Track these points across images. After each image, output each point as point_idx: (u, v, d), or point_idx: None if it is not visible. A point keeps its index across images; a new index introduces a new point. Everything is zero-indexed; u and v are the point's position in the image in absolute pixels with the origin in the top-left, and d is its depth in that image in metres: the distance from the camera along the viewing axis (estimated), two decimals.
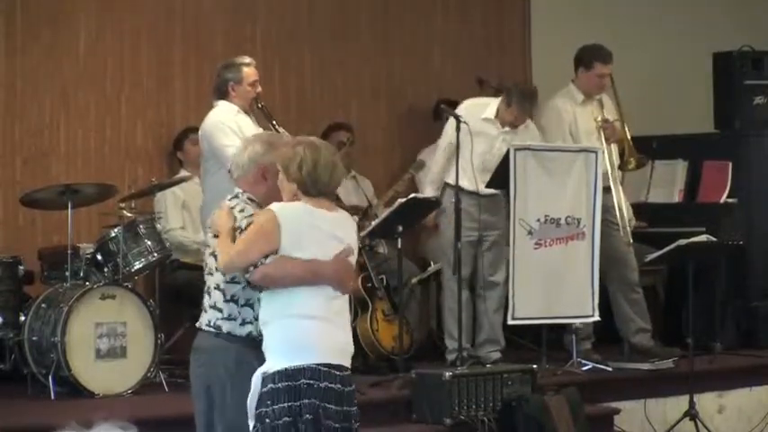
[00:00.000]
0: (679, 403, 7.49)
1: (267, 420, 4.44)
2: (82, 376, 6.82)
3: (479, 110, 7.71)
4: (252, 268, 4.53)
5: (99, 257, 7.26)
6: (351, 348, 4.67)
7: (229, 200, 4.76)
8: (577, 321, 7.77)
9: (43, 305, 7.03)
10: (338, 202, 7.49)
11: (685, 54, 10.03)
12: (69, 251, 7.09)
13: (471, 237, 7.67)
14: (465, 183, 7.55)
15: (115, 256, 7.18)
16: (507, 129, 7.71)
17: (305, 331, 4.52)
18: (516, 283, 7.51)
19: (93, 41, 8.34)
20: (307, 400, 4.44)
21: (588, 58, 8.08)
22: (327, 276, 4.54)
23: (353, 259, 4.68)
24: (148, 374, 7.00)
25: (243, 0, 8.91)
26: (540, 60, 9.84)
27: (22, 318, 7.05)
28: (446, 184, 7.69)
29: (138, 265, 7.24)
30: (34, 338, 6.96)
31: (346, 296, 4.68)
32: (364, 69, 9.34)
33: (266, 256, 4.52)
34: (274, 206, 4.56)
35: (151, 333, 7.04)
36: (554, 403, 6.64)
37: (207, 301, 4.82)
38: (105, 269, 7.23)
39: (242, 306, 4.69)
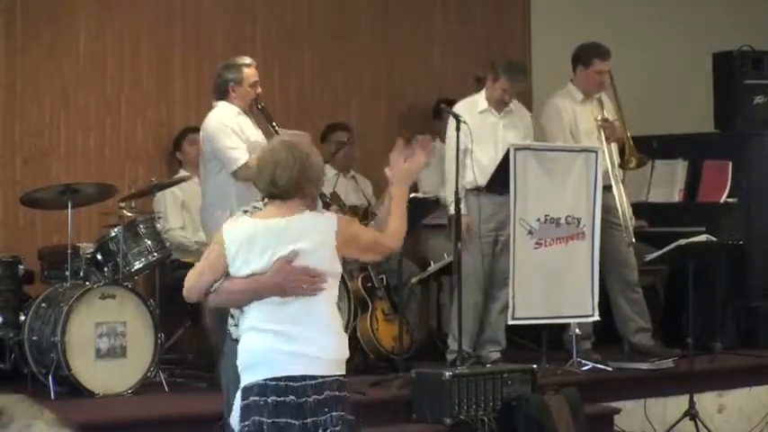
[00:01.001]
0: (679, 403, 7.49)
1: None
2: (82, 376, 6.82)
3: (472, 106, 7.74)
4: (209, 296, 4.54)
5: (99, 257, 7.26)
6: (323, 354, 4.41)
7: (243, 211, 4.71)
8: (577, 321, 7.77)
9: (43, 305, 7.03)
10: (337, 200, 7.57)
11: (685, 54, 10.04)
12: (69, 251, 7.09)
13: (490, 237, 7.70)
14: (483, 182, 7.60)
15: (115, 255, 7.18)
16: (503, 113, 7.77)
17: (251, 346, 4.44)
18: (516, 283, 7.51)
19: (93, 41, 8.35)
20: (257, 418, 4.33)
21: (586, 55, 8.09)
22: (267, 289, 4.41)
23: (314, 259, 4.41)
24: (148, 374, 6.99)
25: (243, 0, 8.91)
26: (540, 60, 9.84)
27: (22, 317, 7.05)
28: (467, 191, 7.63)
29: (138, 265, 7.24)
30: (34, 338, 6.96)
31: (321, 297, 4.45)
32: (364, 69, 9.34)
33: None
34: (225, 226, 4.53)
35: (151, 333, 7.04)
36: (554, 403, 6.64)
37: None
38: (105, 269, 7.23)
39: (243, 312, 4.67)
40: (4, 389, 6.89)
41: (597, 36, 8.37)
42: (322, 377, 4.38)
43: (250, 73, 7.16)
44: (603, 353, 7.96)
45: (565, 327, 7.98)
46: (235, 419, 4.46)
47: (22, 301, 7.23)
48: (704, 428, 7.32)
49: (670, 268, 8.80)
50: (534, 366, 6.99)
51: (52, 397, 6.73)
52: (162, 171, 8.43)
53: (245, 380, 4.41)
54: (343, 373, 4.48)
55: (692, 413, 7.31)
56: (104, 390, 6.85)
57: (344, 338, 4.56)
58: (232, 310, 4.69)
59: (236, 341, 4.61)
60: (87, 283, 7.12)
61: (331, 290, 4.50)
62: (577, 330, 7.81)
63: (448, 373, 6.65)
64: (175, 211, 8.18)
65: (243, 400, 4.40)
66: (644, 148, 8.34)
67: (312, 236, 4.44)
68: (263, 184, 4.50)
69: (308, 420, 4.33)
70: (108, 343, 6.96)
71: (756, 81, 9.08)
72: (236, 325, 4.64)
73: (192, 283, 4.53)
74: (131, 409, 6.59)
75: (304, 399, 4.34)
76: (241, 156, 6.97)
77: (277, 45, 8.97)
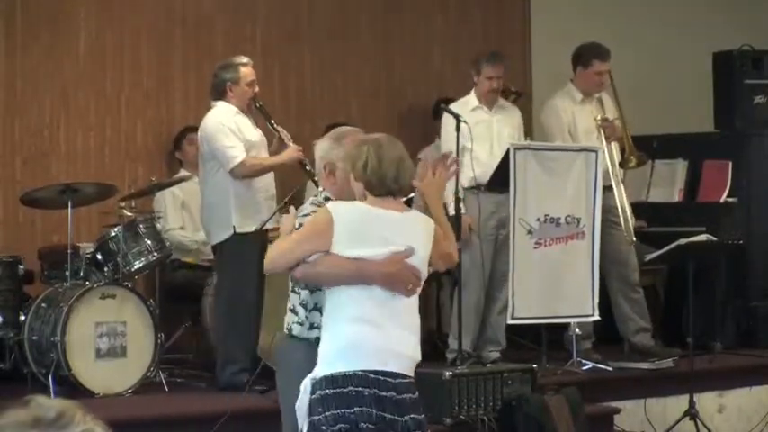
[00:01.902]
0: (679, 403, 7.48)
1: (323, 428, 4.27)
2: (82, 376, 6.82)
3: (464, 106, 7.78)
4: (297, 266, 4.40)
5: (99, 257, 7.26)
6: (410, 353, 4.39)
7: (310, 203, 4.65)
8: (577, 321, 7.77)
9: (43, 305, 7.03)
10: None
11: (685, 54, 10.03)
12: (69, 251, 7.09)
13: (491, 236, 7.71)
14: (484, 180, 7.61)
15: (115, 255, 7.18)
16: (494, 109, 7.84)
17: (351, 336, 4.32)
18: (516, 282, 7.51)
19: (93, 41, 8.35)
20: (357, 408, 4.24)
21: (586, 56, 8.09)
22: (374, 276, 4.33)
23: (418, 261, 4.40)
24: (148, 374, 6.99)
25: (243, 0, 8.91)
26: (540, 60, 9.84)
27: (22, 317, 7.05)
28: (465, 190, 7.62)
29: (138, 265, 7.25)
30: (34, 338, 6.96)
31: (410, 299, 4.42)
32: (364, 69, 9.34)
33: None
34: (331, 205, 4.42)
35: (151, 333, 7.04)
36: (554, 403, 6.64)
37: (288, 303, 4.71)
38: (105, 269, 7.23)
39: (310, 310, 4.58)
40: (4, 389, 6.89)
41: (597, 36, 8.38)
42: (410, 378, 4.38)
43: (247, 72, 7.18)
44: (603, 353, 7.96)
45: (565, 327, 7.98)
46: (303, 410, 4.35)
47: (22, 301, 7.23)
48: (704, 428, 7.32)
49: (670, 268, 8.80)
50: (534, 366, 6.99)
51: (52, 397, 6.71)
52: (162, 171, 8.43)
53: (334, 368, 4.29)
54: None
55: (692, 413, 7.31)
56: (104, 390, 6.85)
57: (419, 341, 4.51)
58: (297, 307, 4.57)
59: (298, 338, 4.55)
60: (87, 282, 7.12)
61: (417, 295, 4.49)
62: (577, 330, 7.81)
63: (448, 373, 6.64)
64: (175, 210, 8.19)
65: (328, 388, 4.28)
66: (644, 148, 8.34)
67: (422, 236, 4.44)
68: (386, 180, 4.40)
69: (407, 419, 4.30)
70: (108, 343, 6.96)
71: (756, 81, 9.08)
72: (300, 323, 4.56)
73: (285, 251, 4.40)
74: (131, 409, 6.59)
75: (403, 396, 4.32)
76: (238, 154, 7.00)
77: (277, 45, 8.97)
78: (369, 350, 4.30)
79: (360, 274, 4.32)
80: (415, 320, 4.46)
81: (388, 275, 4.32)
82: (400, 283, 4.35)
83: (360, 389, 4.26)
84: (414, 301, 4.44)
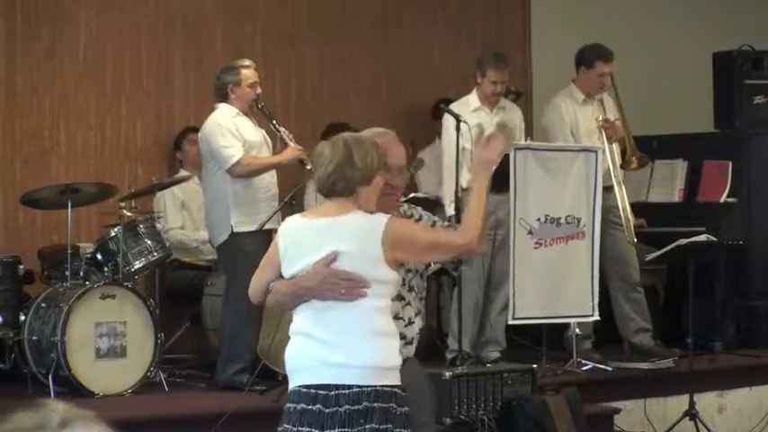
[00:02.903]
0: (679, 403, 7.48)
1: None
2: (82, 376, 6.82)
3: (464, 107, 7.79)
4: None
5: (99, 257, 7.26)
6: (357, 362, 4.10)
7: None
8: (577, 321, 7.77)
9: (43, 305, 7.03)
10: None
11: (685, 54, 10.04)
12: (69, 251, 7.09)
13: (489, 236, 7.70)
14: None
15: (115, 255, 7.18)
16: (495, 110, 7.84)
17: (290, 351, 4.24)
18: (516, 282, 7.51)
19: (93, 41, 8.35)
20: (286, 426, 4.16)
21: (589, 57, 8.09)
22: (303, 290, 4.16)
23: (351, 262, 4.14)
24: (148, 374, 6.99)
25: (243, 0, 8.91)
26: (540, 60, 9.84)
27: (22, 317, 7.05)
28: (464, 190, 7.61)
29: (138, 265, 7.24)
30: (34, 338, 6.96)
31: (364, 302, 4.14)
32: (364, 69, 9.34)
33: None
34: (282, 224, 4.38)
35: (151, 333, 7.03)
36: (554, 403, 6.63)
37: None
38: (105, 269, 7.23)
39: None
40: (4, 389, 6.90)
41: (597, 36, 8.38)
42: (358, 387, 4.09)
43: (248, 74, 7.21)
44: (603, 353, 7.96)
45: (565, 327, 7.98)
46: None
47: (22, 301, 7.23)
48: (704, 428, 7.32)
49: (670, 268, 8.80)
50: (534, 366, 6.99)
51: (52, 397, 6.72)
52: (162, 171, 8.44)
53: (289, 385, 4.26)
54: (389, 383, 4.14)
55: (692, 413, 7.31)
56: (104, 390, 6.84)
57: (390, 347, 4.19)
58: None
59: None
60: (87, 283, 7.12)
61: (379, 297, 4.17)
62: (577, 330, 7.81)
63: (448, 373, 6.64)
64: (175, 210, 8.20)
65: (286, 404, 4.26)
66: (644, 148, 8.33)
67: (355, 237, 4.17)
68: (316, 181, 4.32)
69: (348, 430, 4.07)
70: (108, 343, 6.96)
71: (756, 81, 9.08)
72: None
73: (254, 284, 4.35)
74: (131, 409, 6.59)
75: (335, 408, 4.08)
76: (235, 153, 7.03)
77: (277, 45, 8.97)
78: (303, 364, 4.17)
79: (294, 296, 4.20)
80: (374, 326, 4.15)
81: (311, 289, 4.15)
82: (327, 292, 4.12)
83: (290, 405, 4.18)
84: (373, 307, 4.14)
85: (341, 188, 4.21)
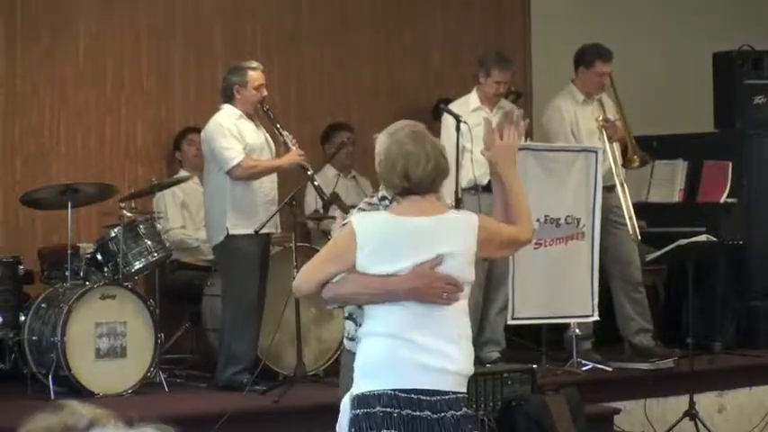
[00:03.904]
0: (679, 403, 7.48)
1: None
2: (82, 376, 6.82)
3: (464, 106, 7.79)
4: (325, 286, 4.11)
5: (99, 257, 7.26)
6: (452, 368, 4.00)
7: (364, 202, 4.48)
8: (577, 321, 7.77)
9: (43, 305, 7.03)
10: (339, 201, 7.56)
11: (685, 54, 10.03)
12: (69, 251, 7.09)
13: None
14: (484, 181, 7.61)
15: (115, 255, 7.18)
16: (495, 110, 7.82)
17: (380, 352, 4.03)
18: (516, 282, 7.51)
19: (93, 41, 8.35)
20: (386, 431, 3.93)
21: (588, 57, 8.09)
22: (405, 292, 4.00)
23: (454, 266, 4.03)
24: (148, 374, 6.99)
25: (243, 0, 8.91)
26: (540, 60, 9.84)
27: (22, 317, 7.05)
28: (464, 191, 7.61)
29: (138, 265, 7.24)
30: (34, 338, 6.96)
31: (453, 307, 4.05)
32: (364, 69, 9.34)
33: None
34: (356, 218, 4.13)
35: (151, 333, 7.03)
36: (554, 403, 6.64)
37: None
38: (105, 269, 7.23)
39: (345, 319, 4.48)
40: (4, 389, 6.90)
41: (597, 36, 8.38)
42: (454, 393, 4.01)
43: (255, 76, 7.22)
44: (603, 353, 7.96)
45: (565, 327, 7.98)
46: (342, 430, 4.09)
47: (21, 301, 7.23)
48: (704, 428, 7.32)
49: (670, 268, 8.80)
50: (534, 366, 6.99)
51: (52, 397, 6.72)
52: (162, 171, 8.44)
53: (365, 386, 4.02)
54: (466, 391, 4.09)
55: (692, 413, 7.31)
56: (104, 390, 6.84)
57: (471, 352, 4.14)
58: (351, 325, 4.38)
59: (349, 352, 4.38)
60: (87, 283, 7.12)
61: (464, 300, 4.11)
62: (577, 330, 7.81)
63: None
64: (175, 210, 8.20)
65: (360, 408, 4.00)
66: (644, 148, 8.34)
67: (456, 239, 4.06)
68: (395, 178, 4.07)
69: None
70: (108, 343, 6.96)
71: (756, 81, 9.08)
72: (353, 338, 4.34)
73: (309, 274, 4.11)
74: (131, 409, 6.57)
75: (442, 414, 3.96)
76: (236, 156, 7.04)
77: (277, 45, 8.97)
78: (400, 367, 3.98)
79: (386, 293, 4.02)
80: (461, 330, 4.09)
81: (413, 291, 4.00)
82: (430, 296, 4.01)
83: (388, 410, 3.96)
84: (458, 309, 4.07)
85: (437, 185, 4.11)
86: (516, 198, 4.32)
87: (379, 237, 4.04)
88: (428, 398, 3.96)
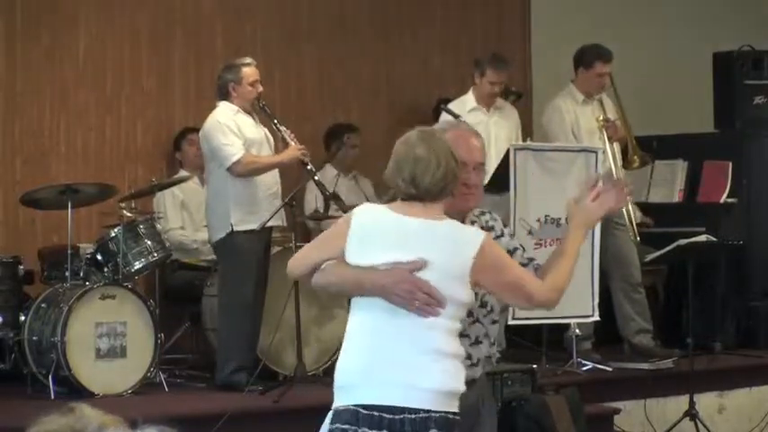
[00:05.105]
0: (679, 403, 7.48)
1: None
2: (82, 376, 6.82)
3: (461, 107, 7.82)
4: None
5: (99, 257, 7.26)
6: (426, 384, 3.72)
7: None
8: (577, 321, 7.77)
9: (43, 305, 7.03)
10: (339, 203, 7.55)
11: (685, 54, 10.03)
12: (69, 251, 7.09)
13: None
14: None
15: (115, 255, 7.18)
16: (491, 110, 7.89)
17: (349, 362, 3.81)
18: None
19: (93, 41, 8.35)
20: None
21: (588, 57, 8.10)
22: (372, 285, 3.77)
23: (435, 276, 3.76)
24: (148, 374, 6.99)
25: (243, 0, 8.91)
26: (540, 60, 9.84)
27: (22, 317, 7.05)
28: None
29: (138, 265, 7.24)
30: (34, 338, 6.96)
31: (435, 321, 3.76)
32: (364, 69, 9.34)
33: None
34: (358, 209, 3.93)
35: (151, 333, 7.03)
36: (554, 403, 6.63)
37: None
38: (105, 269, 7.23)
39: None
40: (3, 389, 6.90)
41: (597, 36, 8.38)
42: (425, 411, 3.70)
43: (249, 72, 7.21)
44: (603, 353, 7.96)
45: (565, 327, 7.98)
46: None
47: (21, 301, 7.23)
48: (704, 428, 7.32)
49: (670, 268, 8.80)
50: (534, 366, 6.98)
51: (52, 397, 6.73)
52: (162, 171, 8.44)
53: (336, 400, 3.82)
54: (454, 410, 3.77)
55: (692, 413, 7.31)
56: (104, 390, 6.84)
57: (460, 370, 3.82)
58: None
59: None
60: (87, 283, 7.12)
61: (451, 319, 3.80)
62: (577, 330, 7.80)
63: None
64: (175, 210, 8.20)
65: (332, 423, 3.79)
66: (644, 148, 8.34)
67: (448, 248, 3.80)
68: (401, 182, 3.86)
69: None
70: (108, 343, 6.96)
71: (756, 81, 9.08)
72: None
73: (300, 258, 3.98)
74: (131, 409, 6.59)
75: None
76: (236, 152, 7.04)
77: (277, 45, 8.97)
78: (365, 381, 3.74)
79: (357, 284, 3.82)
80: (443, 346, 3.76)
81: (381, 288, 3.75)
82: (399, 297, 3.73)
83: (346, 426, 3.72)
84: (443, 327, 3.77)
85: (446, 194, 3.86)
86: (564, 263, 3.99)
87: (369, 228, 3.85)
88: (391, 416, 3.68)
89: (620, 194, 4.14)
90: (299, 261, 3.99)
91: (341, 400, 3.80)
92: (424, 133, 3.94)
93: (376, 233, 3.84)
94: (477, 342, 4.07)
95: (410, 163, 3.83)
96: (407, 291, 3.73)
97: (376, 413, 3.69)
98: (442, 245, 3.80)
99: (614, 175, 7.87)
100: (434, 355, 3.74)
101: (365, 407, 3.70)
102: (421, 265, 3.76)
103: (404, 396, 3.70)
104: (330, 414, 3.84)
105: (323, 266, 3.90)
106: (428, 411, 3.70)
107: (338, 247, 3.86)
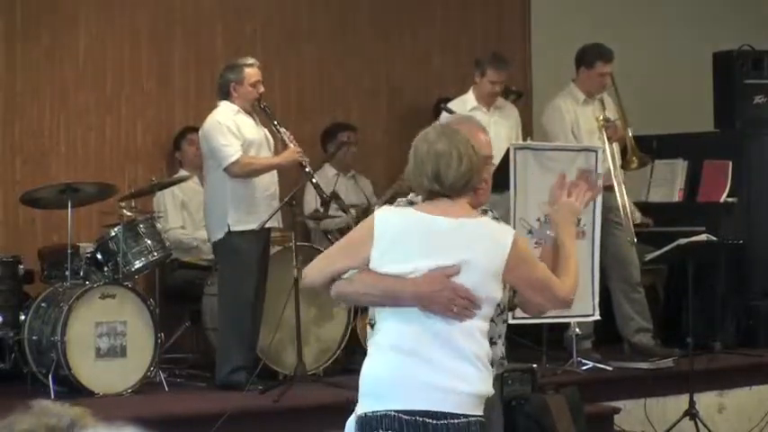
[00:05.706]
0: (679, 403, 7.49)
1: None
2: (82, 375, 6.82)
3: (461, 106, 7.83)
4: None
5: (99, 257, 7.26)
6: (463, 388, 3.65)
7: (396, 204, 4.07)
8: (577, 321, 7.77)
9: (43, 304, 7.03)
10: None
11: (685, 54, 10.03)
12: (69, 250, 7.09)
13: None
14: None
15: (115, 255, 7.18)
16: (492, 109, 7.91)
17: (384, 368, 3.70)
18: None
19: (93, 41, 8.35)
20: None
21: (590, 57, 8.10)
22: (405, 297, 3.66)
23: (473, 278, 3.68)
24: (148, 374, 7.00)
25: (243, 0, 8.91)
26: (540, 60, 9.84)
27: (22, 317, 7.05)
28: None
29: (138, 265, 7.25)
30: (34, 338, 6.96)
31: (469, 323, 3.69)
32: (364, 69, 9.34)
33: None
34: (379, 212, 3.79)
35: (151, 332, 7.04)
36: (554, 403, 6.63)
37: None
38: (105, 268, 7.23)
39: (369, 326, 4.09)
40: (4, 388, 6.90)
41: (597, 36, 8.38)
42: (465, 416, 3.65)
43: (251, 72, 7.22)
44: (603, 353, 7.96)
45: (565, 326, 7.98)
46: None
47: (21, 301, 7.23)
48: (704, 428, 7.32)
49: (670, 268, 8.80)
50: (534, 366, 6.98)
51: (52, 396, 6.72)
52: (162, 171, 8.43)
53: (369, 406, 3.70)
54: (482, 414, 3.73)
55: (692, 413, 7.31)
56: (104, 389, 6.85)
57: (490, 373, 3.77)
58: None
59: None
60: (87, 282, 7.12)
61: (484, 319, 3.74)
62: (577, 330, 7.81)
63: None
64: (175, 210, 8.20)
65: (363, 430, 3.69)
66: (644, 148, 8.34)
67: (479, 247, 3.69)
68: (425, 180, 3.76)
69: None
70: (108, 343, 6.97)
71: (756, 81, 9.08)
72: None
73: (321, 267, 3.80)
74: (131, 408, 6.59)
75: None
76: (234, 152, 7.04)
77: (277, 45, 8.97)
78: (406, 385, 3.64)
79: (390, 295, 3.69)
80: (477, 349, 3.70)
81: (420, 296, 3.64)
82: (437, 305, 3.63)
83: None
84: (475, 328, 3.70)
85: (471, 187, 3.78)
86: (566, 259, 3.92)
87: (396, 233, 3.70)
88: (435, 421, 3.61)
89: (591, 182, 4.15)
90: (319, 270, 3.82)
91: (371, 405, 3.69)
92: (443, 128, 3.87)
93: (404, 237, 3.71)
94: (493, 343, 3.99)
95: (432, 159, 3.73)
96: (448, 298, 3.65)
97: (419, 418, 3.62)
98: (478, 243, 3.71)
99: (612, 174, 7.88)
100: (472, 358, 3.69)
101: (406, 412, 3.63)
102: (457, 269, 3.67)
103: (444, 401, 3.64)
104: (353, 419, 3.77)
105: (346, 275, 3.77)
106: (467, 416, 3.66)
107: (363, 256, 3.72)
